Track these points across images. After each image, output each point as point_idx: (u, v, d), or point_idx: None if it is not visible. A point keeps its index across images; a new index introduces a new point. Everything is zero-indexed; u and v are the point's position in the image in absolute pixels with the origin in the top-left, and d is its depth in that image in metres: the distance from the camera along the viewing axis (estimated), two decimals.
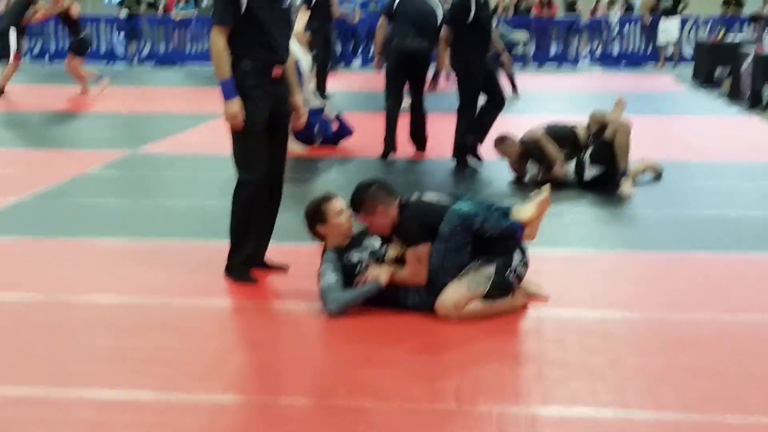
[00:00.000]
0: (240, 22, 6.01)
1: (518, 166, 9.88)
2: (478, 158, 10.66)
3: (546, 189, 5.90)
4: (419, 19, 10.97)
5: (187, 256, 6.94)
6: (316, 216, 5.92)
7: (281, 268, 6.46)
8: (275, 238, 6.59)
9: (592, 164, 9.35)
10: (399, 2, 11.12)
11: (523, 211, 5.80)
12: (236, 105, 6.04)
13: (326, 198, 5.97)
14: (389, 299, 5.69)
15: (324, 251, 5.92)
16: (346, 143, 12.08)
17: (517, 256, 5.72)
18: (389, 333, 5.41)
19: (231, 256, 6.35)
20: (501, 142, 10.00)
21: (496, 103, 10.69)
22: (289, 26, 6.39)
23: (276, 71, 6.18)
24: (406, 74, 11.12)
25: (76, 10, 17.76)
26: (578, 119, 10.27)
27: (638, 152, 9.90)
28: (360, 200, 5.78)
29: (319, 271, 5.80)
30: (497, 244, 5.68)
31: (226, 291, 6.15)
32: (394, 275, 5.62)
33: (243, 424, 4.31)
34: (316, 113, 11.66)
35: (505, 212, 5.78)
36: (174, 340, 5.27)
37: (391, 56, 11.12)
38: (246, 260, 6.33)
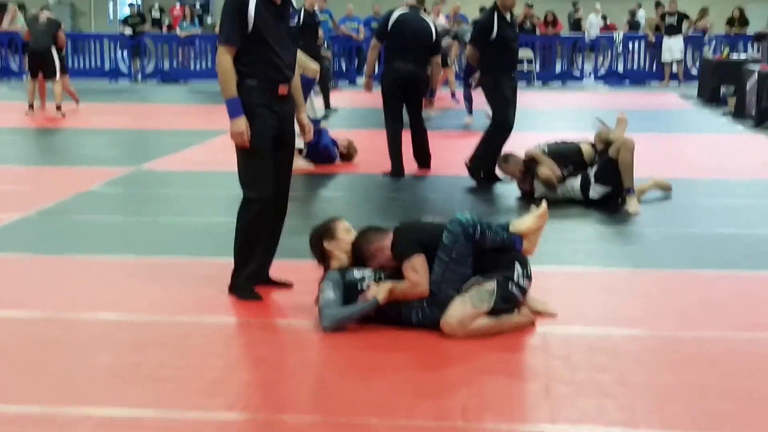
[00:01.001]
0: (246, 41, 5.99)
1: (524, 184, 9.84)
2: (497, 179, 10.60)
3: (544, 203, 5.90)
4: (415, 41, 10.89)
5: (190, 273, 6.89)
6: (325, 232, 5.98)
7: (285, 285, 6.42)
8: (279, 254, 6.54)
9: (597, 183, 9.32)
10: (394, 22, 11.00)
11: (521, 223, 5.82)
12: (242, 123, 6.02)
13: (335, 218, 6.09)
14: (393, 317, 5.65)
15: (326, 271, 5.90)
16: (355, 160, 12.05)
17: (518, 269, 5.68)
18: (394, 349, 5.36)
19: (235, 274, 6.31)
20: (504, 161, 10.01)
21: (506, 125, 10.64)
22: (294, 44, 6.36)
23: (281, 89, 6.15)
24: (403, 96, 11.05)
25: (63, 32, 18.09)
26: (584, 136, 10.24)
27: (644, 170, 9.86)
28: (361, 252, 5.86)
29: (319, 289, 5.78)
30: (497, 256, 5.67)
31: (230, 308, 6.11)
32: (394, 290, 5.58)
33: None
34: (322, 130, 11.67)
35: (504, 226, 5.79)
36: (176, 358, 5.22)
37: (387, 79, 11.03)
38: (250, 277, 6.29)
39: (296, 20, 6.27)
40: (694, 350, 5.37)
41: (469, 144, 11.09)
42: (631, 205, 9.07)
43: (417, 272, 5.52)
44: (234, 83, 6.02)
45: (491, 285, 5.55)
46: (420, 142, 11.35)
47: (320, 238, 5.97)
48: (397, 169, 11.00)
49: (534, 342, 5.52)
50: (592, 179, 9.36)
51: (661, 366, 5.13)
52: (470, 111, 16.08)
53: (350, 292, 5.73)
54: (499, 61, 10.45)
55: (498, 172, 10.21)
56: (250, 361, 5.29)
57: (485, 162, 10.52)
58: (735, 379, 4.91)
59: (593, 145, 9.69)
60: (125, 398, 4.66)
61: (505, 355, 5.31)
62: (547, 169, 9.54)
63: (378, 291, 5.61)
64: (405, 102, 11.08)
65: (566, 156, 9.72)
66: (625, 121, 9.63)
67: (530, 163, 9.71)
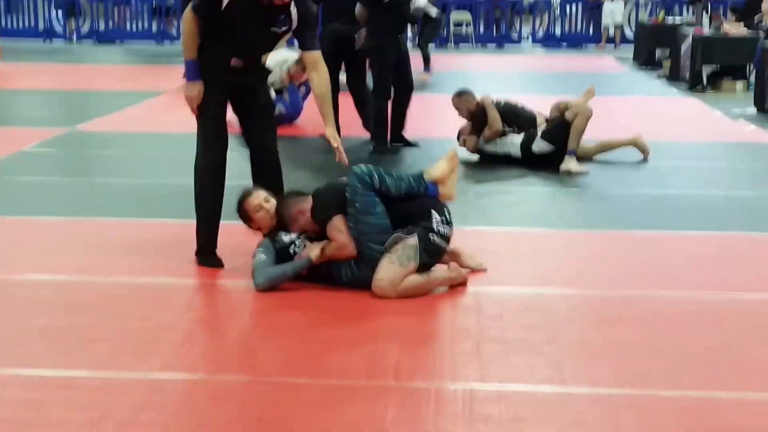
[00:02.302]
0: (214, 18, 5.92)
1: (467, 128, 9.75)
2: (408, 143, 10.56)
3: (453, 148, 5.96)
4: (349, 1, 10.74)
5: (125, 234, 6.86)
6: (242, 217, 6.06)
7: None
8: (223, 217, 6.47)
9: (543, 139, 9.33)
10: None
11: (434, 170, 5.86)
12: (195, 88, 6.00)
13: (245, 196, 6.06)
14: (325, 275, 5.69)
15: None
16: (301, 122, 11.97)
17: (435, 217, 5.70)
18: (326, 310, 5.40)
19: (197, 237, 6.25)
20: (458, 95, 9.86)
21: (407, 87, 10.52)
22: (265, 48, 6.24)
23: (233, 61, 6.07)
24: (341, 56, 10.92)
25: None
26: (523, 99, 10.28)
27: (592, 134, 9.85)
28: (282, 217, 5.88)
29: (254, 254, 5.80)
30: (413, 205, 5.71)
31: (165, 269, 6.09)
32: (325, 251, 5.62)
33: (179, 400, 4.27)
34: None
35: (418, 175, 5.83)
36: (110, 319, 5.21)
37: (324, 39, 10.89)
38: (209, 241, 6.21)
39: (286, 28, 6.13)
40: (623, 310, 5.46)
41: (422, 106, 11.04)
42: (570, 164, 9.13)
43: (341, 232, 5.55)
44: (195, 46, 5.97)
45: (413, 240, 5.58)
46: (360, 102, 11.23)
47: (244, 221, 6.06)
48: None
49: (467, 302, 5.57)
50: (538, 133, 9.36)
51: (591, 325, 5.22)
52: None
53: (282, 256, 5.76)
54: (386, 24, 10.20)
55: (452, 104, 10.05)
56: (184, 322, 5.29)
57: (381, 130, 10.40)
58: (661, 338, 5.01)
59: (547, 120, 9.68)
60: (57, 359, 4.65)
61: (437, 315, 5.37)
62: (496, 120, 9.48)
63: (311, 250, 5.64)
64: (343, 62, 10.98)
65: (519, 117, 9.70)
66: (593, 93, 9.67)
67: (479, 111, 9.63)
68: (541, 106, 10.08)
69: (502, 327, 5.14)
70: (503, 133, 9.59)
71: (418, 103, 11.16)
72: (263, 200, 5.99)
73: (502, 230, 7.15)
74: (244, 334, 5.09)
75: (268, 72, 6.54)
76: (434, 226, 5.67)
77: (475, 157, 9.70)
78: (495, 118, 9.56)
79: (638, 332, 5.09)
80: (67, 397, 4.23)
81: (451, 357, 4.76)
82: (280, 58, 11.38)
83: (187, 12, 5.99)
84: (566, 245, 6.83)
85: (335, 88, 10.79)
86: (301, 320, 5.27)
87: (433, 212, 5.71)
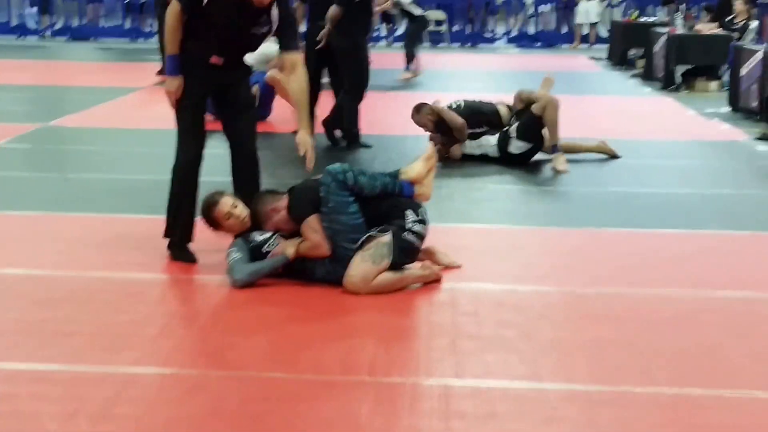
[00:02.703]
0: (197, 14, 5.88)
1: (436, 139, 9.75)
2: (336, 142, 10.42)
3: (431, 144, 5.96)
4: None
5: (98, 229, 6.82)
6: (210, 224, 5.94)
7: None
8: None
9: (518, 138, 9.35)
10: None
11: (411, 170, 5.86)
12: (175, 83, 5.97)
13: (212, 204, 5.89)
14: (299, 271, 5.68)
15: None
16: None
17: (410, 216, 5.68)
18: (302, 306, 5.39)
19: (168, 232, 6.21)
20: (416, 111, 9.83)
21: (361, 86, 10.39)
22: (247, 48, 6.19)
23: (214, 59, 6.04)
24: (326, 56, 10.86)
25: None
26: (499, 98, 10.26)
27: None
28: (256, 214, 5.84)
29: (227, 253, 5.78)
30: (387, 205, 5.70)
31: (138, 264, 6.05)
32: (299, 248, 5.61)
33: (153, 394, 4.25)
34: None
35: (394, 174, 5.83)
36: (83, 313, 5.19)
37: (310, 39, 10.83)
38: (183, 236, 6.17)
39: (267, 29, 6.09)
40: (598, 307, 5.47)
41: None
42: (559, 162, 9.14)
43: (315, 232, 5.54)
44: (177, 41, 5.94)
45: (387, 238, 5.57)
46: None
47: (213, 228, 5.95)
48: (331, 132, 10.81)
49: (442, 298, 5.57)
50: (514, 134, 9.37)
51: (566, 322, 5.23)
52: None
53: (255, 254, 5.74)
54: (360, 24, 10.20)
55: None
56: (158, 317, 5.26)
57: (356, 129, 10.36)
58: (636, 335, 5.02)
59: (510, 108, 9.71)
60: (31, 353, 4.62)
61: (413, 311, 5.37)
62: (456, 122, 9.45)
63: (286, 247, 5.63)
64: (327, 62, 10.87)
65: (483, 113, 9.70)
66: (552, 81, 9.70)
67: (439, 119, 9.64)
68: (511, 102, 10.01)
69: (478, 323, 5.14)
70: (476, 135, 9.57)
71: (394, 101, 11.15)
72: (231, 207, 5.85)
73: (477, 227, 7.16)
74: (219, 329, 5.06)
75: (250, 71, 6.50)
76: (408, 224, 5.66)
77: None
78: (452, 117, 9.50)
79: (613, 329, 5.10)
80: (41, 391, 4.21)
81: (427, 353, 4.75)
82: (262, 57, 11.29)
83: (173, 5, 5.92)
84: (542, 242, 6.84)
85: (318, 87, 10.67)
86: (277, 315, 5.26)
87: (408, 211, 5.70)
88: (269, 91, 11.69)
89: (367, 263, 5.51)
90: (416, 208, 5.77)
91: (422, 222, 5.75)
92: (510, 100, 9.80)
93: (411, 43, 17.45)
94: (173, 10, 5.91)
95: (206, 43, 5.97)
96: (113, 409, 4.04)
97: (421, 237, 5.76)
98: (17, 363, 4.50)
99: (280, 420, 4.01)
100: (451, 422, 4.00)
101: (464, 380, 4.41)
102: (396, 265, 5.60)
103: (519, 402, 4.21)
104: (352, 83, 10.33)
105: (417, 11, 17.32)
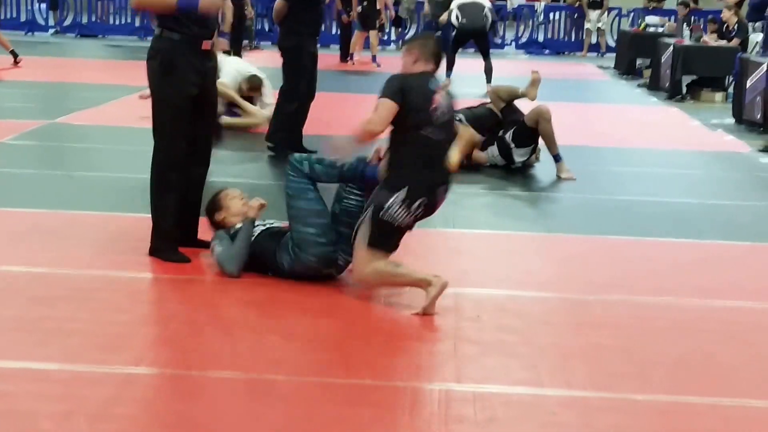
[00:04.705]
0: None
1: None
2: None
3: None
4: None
5: (102, 227, 6.83)
6: (213, 206, 6.10)
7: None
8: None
9: (518, 147, 9.36)
10: None
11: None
12: None
13: (220, 190, 6.20)
14: (270, 264, 5.77)
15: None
16: None
17: (398, 195, 5.41)
18: (304, 308, 5.39)
19: (153, 233, 6.19)
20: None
21: (309, 93, 9.75)
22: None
23: (205, 44, 6.07)
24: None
25: None
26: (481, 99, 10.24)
27: (559, 138, 9.81)
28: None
29: (211, 248, 5.89)
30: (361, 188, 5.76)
31: (139, 263, 6.04)
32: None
33: (151, 395, 4.26)
34: None
35: (362, 158, 5.77)
36: (83, 312, 5.18)
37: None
38: (168, 236, 6.15)
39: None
40: (598, 313, 5.48)
41: None
42: (563, 171, 9.16)
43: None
44: None
45: (367, 216, 5.49)
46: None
47: (210, 213, 6.10)
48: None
49: (445, 303, 5.54)
50: (512, 145, 9.38)
51: (566, 328, 5.24)
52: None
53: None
54: (306, 23, 9.59)
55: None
56: (157, 317, 5.28)
57: (283, 134, 9.70)
58: (636, 342, 5.03)
59: (493, 104, 9.68)
60: (29, 352, 4.62)
61: (416, 315, 5.36)
62: (470, 145, 9.38)
63: (246, 211, 5.90)
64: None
65: (485, 119, 9.69)
66: (539, 80, 9.63)
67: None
68: (522, 108, 9.99)
69: (479, 328, 5.15)
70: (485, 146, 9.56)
71: None
72: (238, 192, 6.11)
73: (480, 232, 7.17)
74: (219, 330, 5.06)
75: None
76: (387, 204, 5.41)
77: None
78: (469, 136, 9.33)
79: (613, 336, 5.11)
80: (38, 390, 4.21)
81: (428, 357, 4.77)
82: (237, 75, 11.23)
83: None
84: (544, 249, 6.85)
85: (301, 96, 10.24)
86: (277, 317, 5.26)
87: (398, 192, 5.42)
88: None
89: (362, 246, 5.46)
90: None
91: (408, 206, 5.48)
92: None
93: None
94: None
95: (190, 21, 5.97)
96: (112, 409, 4.04)
97: (417, 218, 5.55)
98: (15, 361, 4.50)
99: (280, 422, 4.01)
100: (450, 427, 4.00)
101: (465, 385, 4.41)
102: (373, 243, 5.44)
103: (519, 407, 4.22)
104: (287, 85, 9.66)
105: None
